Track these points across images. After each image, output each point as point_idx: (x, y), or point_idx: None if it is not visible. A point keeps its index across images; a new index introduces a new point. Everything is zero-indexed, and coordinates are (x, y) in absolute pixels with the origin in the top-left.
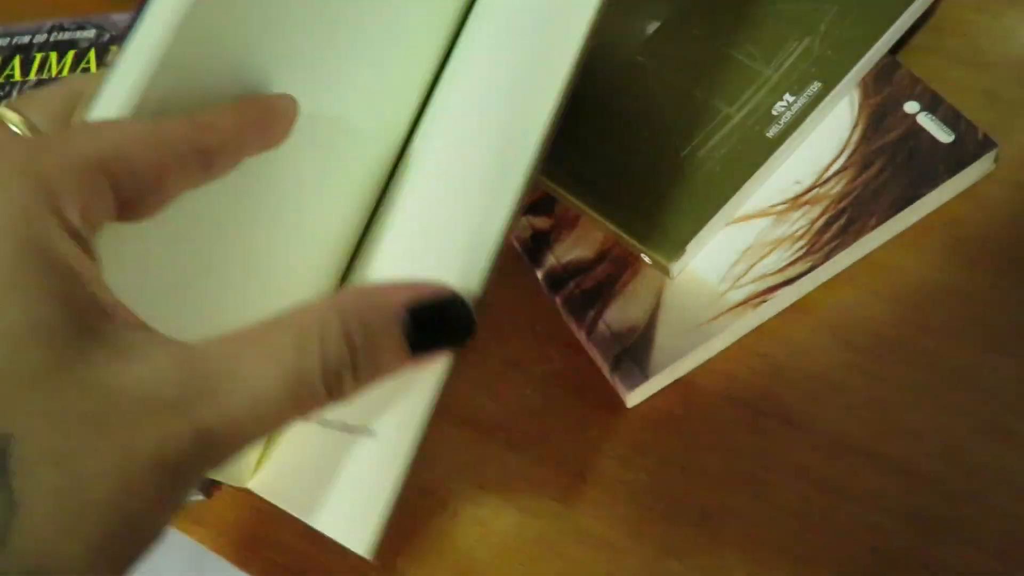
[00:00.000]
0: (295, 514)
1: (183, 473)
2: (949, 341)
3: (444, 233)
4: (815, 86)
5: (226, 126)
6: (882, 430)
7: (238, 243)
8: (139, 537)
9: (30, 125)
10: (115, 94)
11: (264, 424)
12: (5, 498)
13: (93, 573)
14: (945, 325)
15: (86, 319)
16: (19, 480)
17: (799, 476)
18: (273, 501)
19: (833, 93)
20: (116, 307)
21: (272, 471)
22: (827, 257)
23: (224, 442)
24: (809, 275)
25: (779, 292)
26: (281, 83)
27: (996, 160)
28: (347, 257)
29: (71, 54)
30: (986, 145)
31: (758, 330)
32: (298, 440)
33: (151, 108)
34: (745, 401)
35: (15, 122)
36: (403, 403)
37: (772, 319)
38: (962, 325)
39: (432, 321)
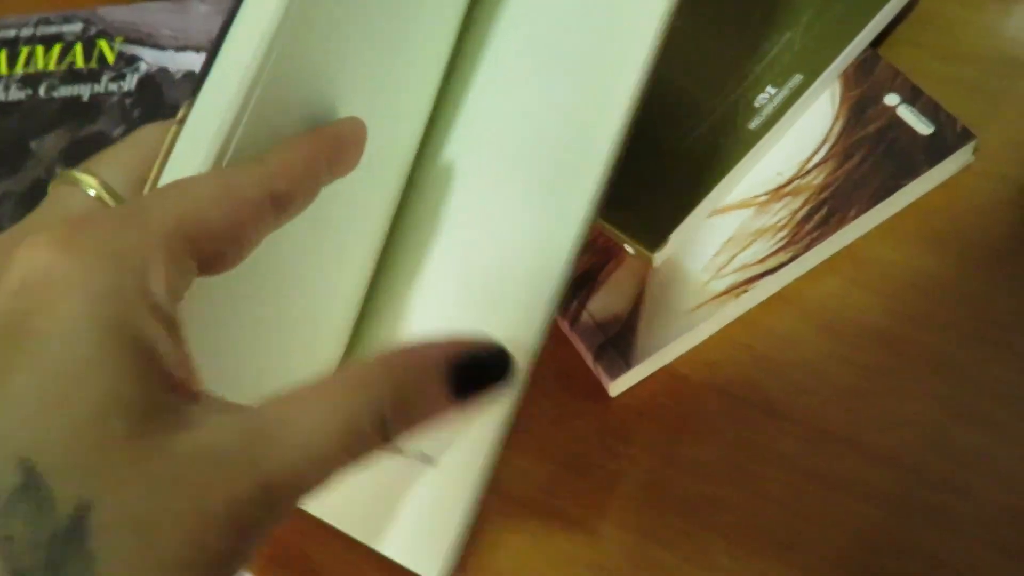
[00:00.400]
0: (359, 538)
1: (252, 526)
2: (931, 330)
3: (497, 280)
4: (797, 78)
5: (298, 165)
6: (865, 419)
7: (282, 275)
8: None
9: (108, 188)
10: (191, 153)
11: (321, 471)
12: (83, 562)
13: None
14: (926, 314)
15: (162, 396)
16: (97, 543)
17: (782, 465)
18: (336, 524)
19: (815, 85)
20: (190, 382)
21: (335, 494)
22: (808, 247)
23: (286, 492)
24: (790, 265)
25: (761, 282)
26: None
27: (975, 152)
28: (367, 278)
29: (57, 47)
30: (965, 137)
31: (740, 320)
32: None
33: (225, 161)
34: (728, 390)
35: (92, 185)
36: (470, 433)
37: (754, 309)
38: (943, 314)
39: (474, 369)
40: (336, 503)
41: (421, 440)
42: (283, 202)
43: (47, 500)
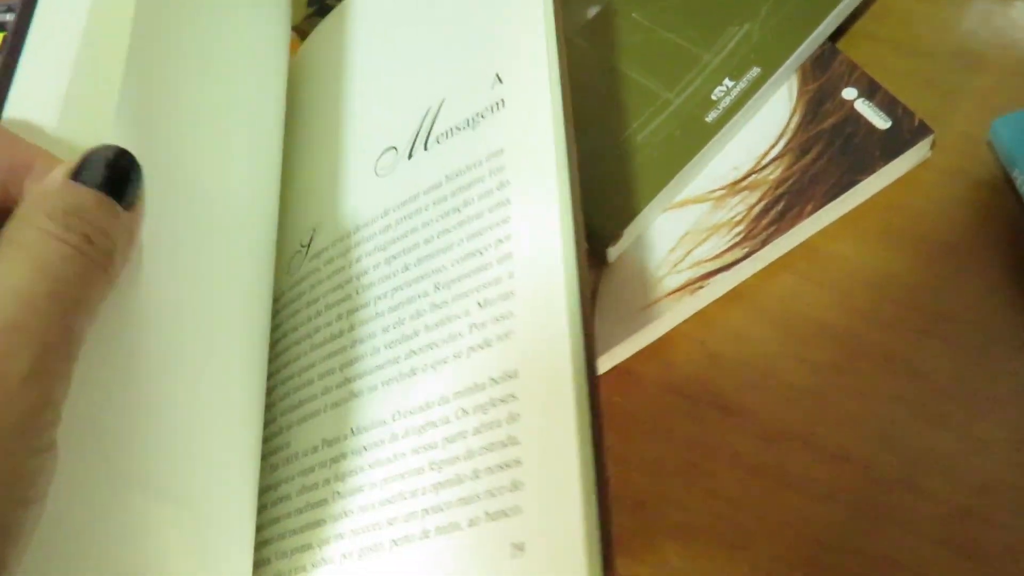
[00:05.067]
0: None
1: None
2: (885, 327)
3: None
4: (754, 71)
5: None
6: (818, 417)
7: None
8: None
9: None
10: None
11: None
12: None
13: None
14: (881, 311)
15: None
16: None
17: (735, 463)
18: None
19: (772, 79)
20: None
21: None
22: (764, 243)
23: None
24: (746, 261)
25: (716, 278)
26: None
27: (932, 147)
28: None
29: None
30: (922, 132)
31: (696, 317)
32: None
33: None
34: (682, 388)
35: None
36: None
37: (710, 306)
38: (898, 311)
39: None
40: None
41: None
42: None
43: None
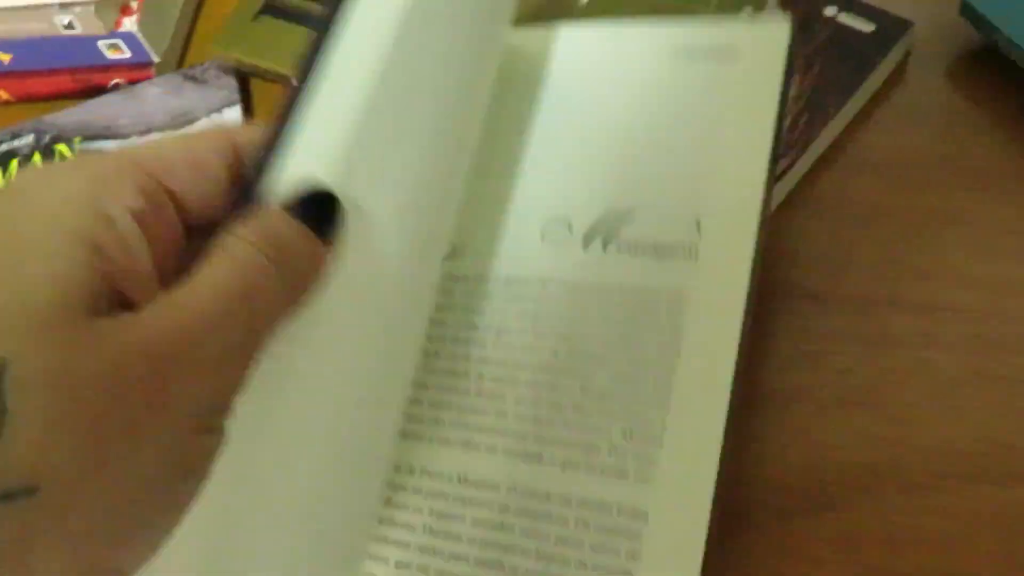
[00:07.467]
0: None
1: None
2: (927, 193)
3: None
4: (747, 10)
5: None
6: (898, 284)
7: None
8: (131, 443)
9: None
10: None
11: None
12: None
13: (81, 482)
14: (929, 179)
15: (98, 289)
16: (13, 400)
17: (839, 340)
18: None
19: (762, 14)
20: (136, 298)
21: None
22: (803, 150)
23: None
24: (793, 169)
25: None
26: None
27: (914, 37)
28: None
29: (14, 163)
30: (903, 25)
31: None
32: None
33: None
34: (771, 283)
35: None
36: None
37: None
38: (943, 176)
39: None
40: None
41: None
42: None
43: None
